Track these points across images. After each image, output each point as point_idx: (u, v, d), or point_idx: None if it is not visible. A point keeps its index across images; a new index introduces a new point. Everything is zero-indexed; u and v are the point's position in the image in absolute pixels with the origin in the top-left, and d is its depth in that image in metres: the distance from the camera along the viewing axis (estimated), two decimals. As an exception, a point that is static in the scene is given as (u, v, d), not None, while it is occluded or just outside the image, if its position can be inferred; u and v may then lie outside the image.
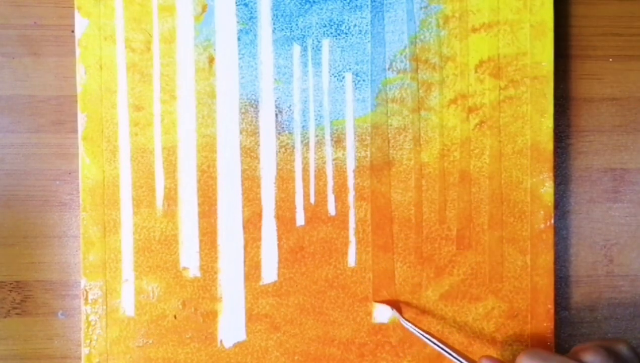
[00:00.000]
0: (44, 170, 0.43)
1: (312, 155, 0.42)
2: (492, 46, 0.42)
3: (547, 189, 0.43)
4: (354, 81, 0.42)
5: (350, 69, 0.42)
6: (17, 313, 0.44)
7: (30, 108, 0.43)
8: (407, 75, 0.42)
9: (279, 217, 0.42)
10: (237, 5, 0.42)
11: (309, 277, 0.42)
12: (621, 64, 0.45)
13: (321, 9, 0.42)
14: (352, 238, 0.43)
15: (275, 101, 0.42)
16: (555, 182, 0.43)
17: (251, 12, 0.42)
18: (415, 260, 0.43)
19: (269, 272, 0.42)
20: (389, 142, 0.42)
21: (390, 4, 0.42)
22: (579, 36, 0.45)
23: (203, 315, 0.42)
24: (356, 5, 0.42)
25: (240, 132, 0.42)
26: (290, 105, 0.42)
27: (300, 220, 0.43)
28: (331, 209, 0.43)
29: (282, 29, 0.42)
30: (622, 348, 0.36)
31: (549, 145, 0.42)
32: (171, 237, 0.42)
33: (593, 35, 0.45)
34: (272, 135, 0.42)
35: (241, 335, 0.42)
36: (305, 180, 0.42)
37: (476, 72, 0.42)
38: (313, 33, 0.42)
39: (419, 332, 0.40)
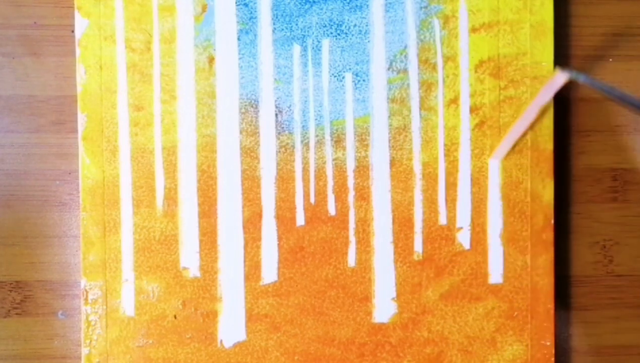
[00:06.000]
0: (44, 170, 0.43)
1: (312, 155, 0.42)
2: (492, 46, 0.42)
3: (547, 189, 0.42)
4: (354, 81, 0.42)
5: (350, 69, 0.42)
6: (17, 313, 0.44)
7: (30, 108, 0.43)
8: (407, 75, 0.42)
9: (279, 217, 0.42)
10: (237, 5, 0.42)
11: (309, 277, 0.42)
12: (621, 64, 0.45)
13: (321, 9, 0.42)
14: (352, 238, 0.43)
15: (275, 101, 0.42)
16: (555, 182, 0.43)
17: (251, 12, 0.42)
18: (415, 260, 0.43)
19: (269, 272, 0.42)
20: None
21: (390, 4, 0.42)
22: (579, 36, 0.45)
23: (203, 315, 0.42)
24: (356, 5, 0.42)
25: (240, 132, 0.42)
26: (290, 105, 0.42)
27: (300, 220, 0.43)
28: (331, 209, 0.42)
29: (282, 29, 0.42)
30: None
31: (549, 145, 0.42)
32: (171, 237, 0.42)
33: (593, 35, 0.45)
34: (272, 135, 0.42)
35: (241, 335, 0.42)
36: (305, 180, 0.42)
37: (476, 72, 0.42)
38: (313, 33, 0.42)
39: (600, 86, 0.38)
